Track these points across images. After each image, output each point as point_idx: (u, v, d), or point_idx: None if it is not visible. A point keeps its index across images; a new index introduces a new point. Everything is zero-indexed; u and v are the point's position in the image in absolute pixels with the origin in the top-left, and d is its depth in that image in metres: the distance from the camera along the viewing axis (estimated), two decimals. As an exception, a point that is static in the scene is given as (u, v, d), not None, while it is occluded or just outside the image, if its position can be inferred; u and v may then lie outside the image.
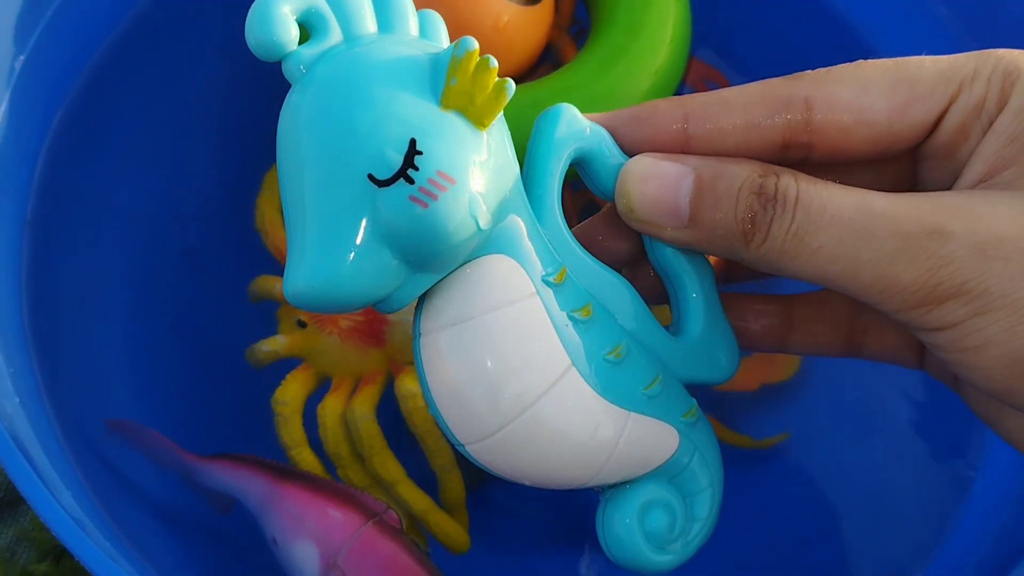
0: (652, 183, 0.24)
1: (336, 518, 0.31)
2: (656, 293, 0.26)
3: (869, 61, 0.24)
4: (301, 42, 0.22)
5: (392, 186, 0.21)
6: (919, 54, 0.24)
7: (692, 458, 0.26)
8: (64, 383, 0.35)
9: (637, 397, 0.24)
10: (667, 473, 0.26)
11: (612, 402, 0.24)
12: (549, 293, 0.24)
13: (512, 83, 0.22)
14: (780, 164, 0.23)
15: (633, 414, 0.24)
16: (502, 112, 0.23)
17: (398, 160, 0.21)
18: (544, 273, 0.24)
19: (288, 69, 0.22)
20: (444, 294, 0.23)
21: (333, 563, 0.30)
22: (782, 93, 0.24)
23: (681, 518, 0.26)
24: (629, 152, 0.25)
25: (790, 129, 0.23)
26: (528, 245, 0.24)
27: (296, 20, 0.22)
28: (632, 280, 0.25)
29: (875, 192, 0.22)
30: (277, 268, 0.37)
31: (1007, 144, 0.22)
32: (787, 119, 0.23)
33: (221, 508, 0.36)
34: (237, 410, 0.39)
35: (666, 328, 0.26)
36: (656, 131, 0.24)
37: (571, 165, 0.25)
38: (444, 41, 0.24)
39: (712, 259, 0.26)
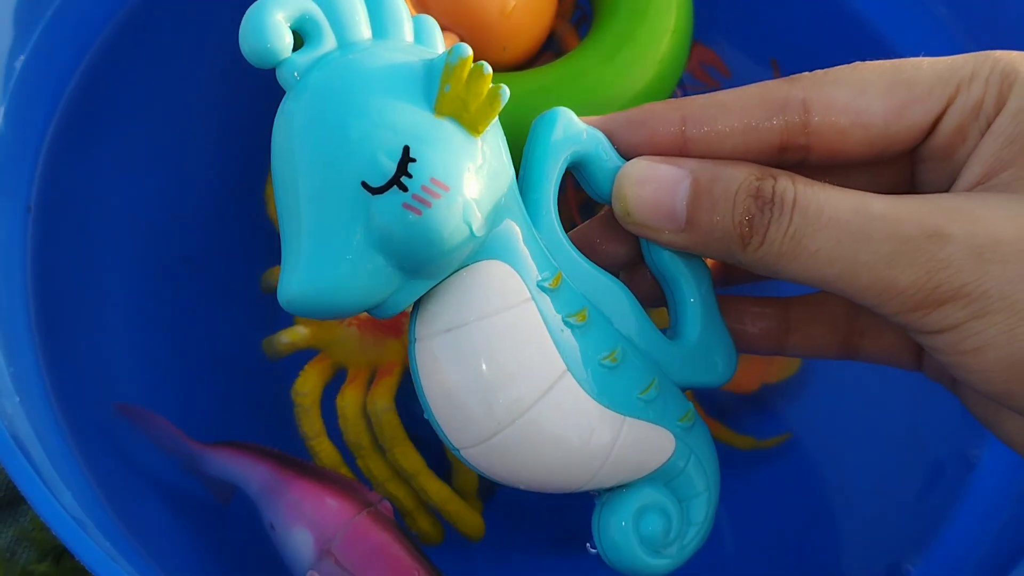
0: (649, 186, 0.24)
1: (332, 506, 0.32)
2: (654, 296, 0.26)
3: (867, 63, 0.24)
4: (296, 48, 0.22)
5: (386, 193, 0.21)
6: (918, 54, 0.24)
7: (688, 462, 0.26)
8: (68, 378, 0.35)
9: (633, 402, 0.24)
10: (663, 477, 0.26)
11: (607, 407, 0.24)
12: (544, 298, 0.24)
13: (506, 89, 0.22)
14: (778, 167, 0.23)
15: (629, 419, 0.24)
16: (497, 118, 0.23)
17: (392, 167, 0.21)
18: (540, 278, 0.24)
19: (282, 76, 0.22)
20: (439, 300, 0.23)
21: (327, 549, 0.31)
22: (779, 95, 0.23)
23: (677, 522, 0.26)
24: (626, 155, 0.25)
25: (787, 131, 0.23)
26: (524, 250, 0.24)
27: (290, 27, 0.22)
28: (629, 283, 0.25)
29: (873, 194, 0.22)
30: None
31: (1005, 146, 0.22)
32: (784, 121, 0.23)
33: (222, 498, 0.36)
34: (241, 403, 0.39)
35: (663, 332, 0.26)
36: (653, 134, 0.24)
37: (568, 168, 0.25)
38: (439, 46, 0.24)
39: (710, 262, 0.26)
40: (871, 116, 0.23)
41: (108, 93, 0.39)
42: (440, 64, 0.22)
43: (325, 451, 0.35)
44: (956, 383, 0.26)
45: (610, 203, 0.25)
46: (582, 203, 0.40)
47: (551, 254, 0.24)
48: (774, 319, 0.27)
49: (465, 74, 0.22)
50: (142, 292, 0.39)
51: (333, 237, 0.22)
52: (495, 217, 0.23)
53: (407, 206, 0.21)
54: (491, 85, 0.22)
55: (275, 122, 0.23)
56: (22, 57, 0.36)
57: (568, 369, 0.24)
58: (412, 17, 0.24)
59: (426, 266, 0.22)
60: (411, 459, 0.35)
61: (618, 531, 0.25)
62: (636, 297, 0.25)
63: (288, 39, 0.22)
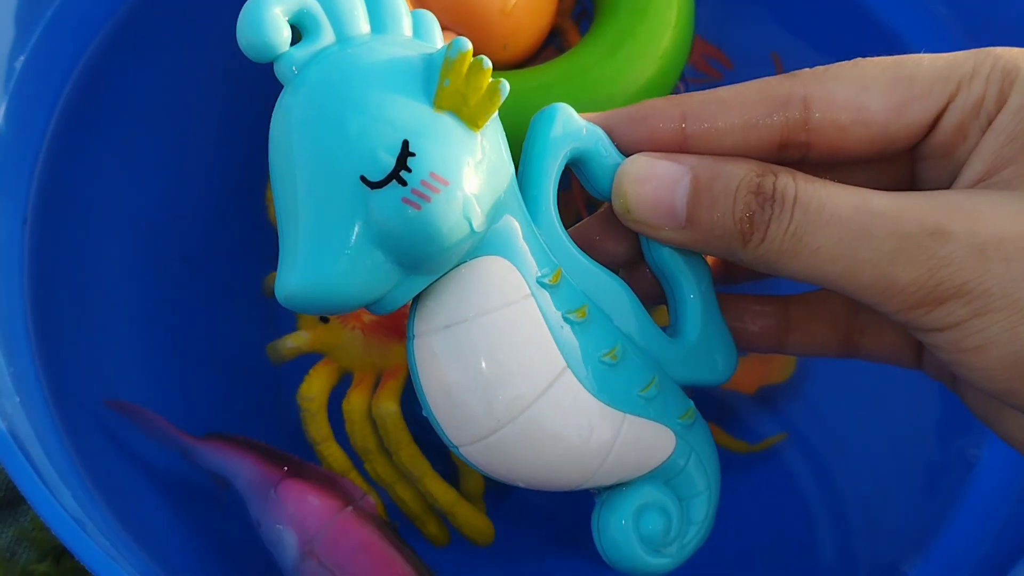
0: (648, 183, 0.23)
1: (313, 505, 0.32)
2: (654, 294, 0.26)
3: (868, 59, 0.24)
4: (295, 42, 0.22)
5: (385, 188, 0.21)
6: (919, 51, 0.24)
7: (689, 460, 0.26)
8: (65, 378, 0.35)
9: (633, 399, 0.24)
10: (663, 475, 0.26)
11: (607, 404, 0.24)
12: (544, 295, 0.24)
13: (506, 84, 0.22)
14: (778, 164, 0.23)
15: (629, 416, 0.24)
16: (496, 113, 0.23)
17: (390, 162, 0.21)
18: (539, 274, 0.24)
19: (280, 70, 0.22)
20: (438, 296, 0.23)
21: (310, 549, 0.31)
22: (780, 92, 0.23)
23: (677, 521, 0.26)
24: (626, 152, 0.24)
25: (788, 128, 0.23)
26: (523, 246, 0.24)
27: (288, 21, 0.22)
28: (630, 281, 0.25)
29: (874, 191, 0.22)
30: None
31: (1006, 143, 0.22)
32: (785, 118, 0.23)
33: (223, 483, 0.36)
34: (242, 406, 0.39)
35: (664, 329, 0.26)
36: (653, 131, 0.24)
37: (567, 165, 0.25)
38: (438, 41, 0.24)
39: (710, 259, 0.26)
40: (872, 113, 0.23)
41: (109, 93, 0.39)
42: (439, 58, 0.22)
43: (333, 455, 0.35)
44: (957, 381, 0.26)
45: (610, 200, 0.24)
46: (588, 199, 0.40)
47: (551, 250, 0.24)
48: (774, 317, 0.27)
49: (465, 68, 0.22)
50: (141, 292, 0.39)
51: (331, 232, 0.21)
52: (495, 213, 0.23)
53: (406, 200, 0.21)
54: (491, 79, 0.22)
55: (273, 117, 0.22)
56: (22, 57, 0.36)
57: (568, 366, 0.23)
58: (411, 12, 0.24)
59: (425, 262, 0.22)
60: (417, 462, 0.34)
61: (618, 530, 0.25)
62: (636, 295, 0.25)
63: (286, 33, 0.22)
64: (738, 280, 0.28)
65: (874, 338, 0.27)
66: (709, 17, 0.41)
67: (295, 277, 0.22)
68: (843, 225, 0.22)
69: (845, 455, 0.40)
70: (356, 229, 0.21)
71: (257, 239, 0.38)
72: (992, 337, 0.21)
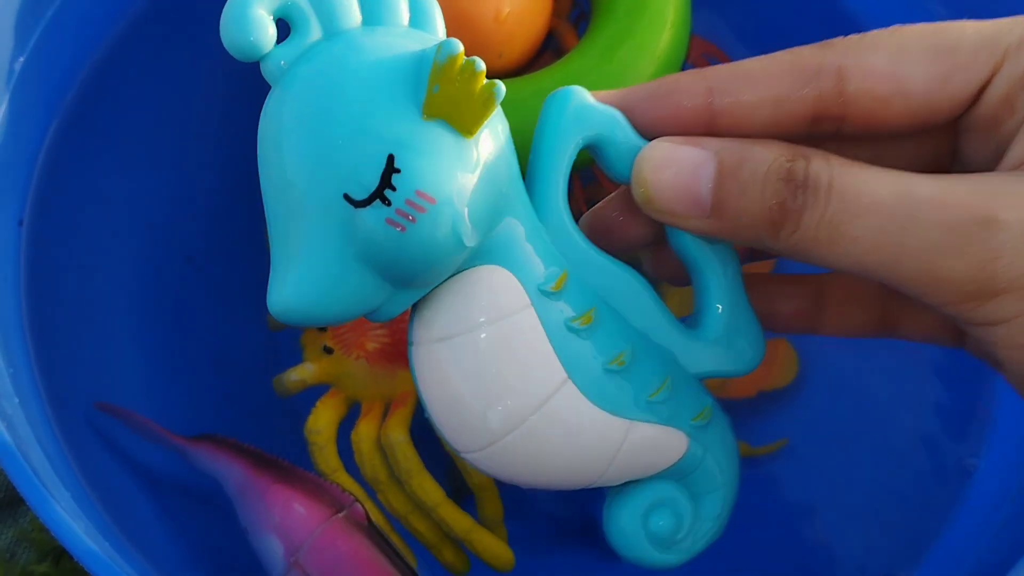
0: (670, 170, 0.22)
1: (300, 513, 0.31)
2: (680, 276, 0.25)
3: (906, 26, 0.22)
4: (286, 36, 0.21)
5: (368, 208, 0.20)
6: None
7: (703, 460, 0.25)
8: (62, 380, 0.35)
9: (641, 405, 0.24)
10: (676, 474, 0.25)
11: (612, 413, 0.23)
12: (546, 303, 0.23)
13: (501, 86, 0.21)
14: (810, 138, 0.22)
15: (635, 423, 0.24)
16: (498, 107, 0.21)
17: (374, 180, 0.20)
18: (542, 281, 0.23)
19: (267, 70, 0.21)
20: (434, 306, 0.23)
21: (295, 560, 0.30)
22: (812, 62, 0.22)
23: (689, 518, 0.25)
24: (647, 133, 0.23)
25: (821, 100, 0.22)
26: (526, 250, 0.23)
27: (273, 16, 0.21)
28: (655, 262, 0.24)
29: (918, 175, 0.21)
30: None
31: None
32: (818, 89, 0.22)
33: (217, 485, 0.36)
34: (241, 408, 0.39)
35: (686, 318, 0.25)
36: (678, 108, 0.23)
37: (584, 150, 0.23)
38: (439, 28, 0.23)
39: None
40: (912, 83, 0.21)
41: (110, 93, 0.39)
42: (430, 59, 0.21)
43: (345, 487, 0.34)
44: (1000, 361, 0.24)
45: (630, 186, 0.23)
46: (591, 201, 0.39)
47: (559, 248, 0.23)
48: (807, 298, 0.26)
49: (455, 73, 0.20)
50: (140, 293, 0.39)
51: (318, 248, 0.21)
52: (492, 219, 0.22)
53: (390, 221, 0.20)
54: (484, 83, 0.21)
55: (260, 121, 0.22)
56: (22, 58, 0.36)
57: (569, 377, 0.23)
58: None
59: (414, 279, 0.22)
60: (429, 490, 0.34)
61: (628, 526, 0.25)
62: (662, 277, 0.24)
63: (271, 31, 0.21)
64: (766, 255, 0.27)
65: (912, 319, 0.26)
66: (706, 18, 0.41)
67: (285, 293, 0.21)
68: (884, 213, 0.20)
69: (843, 461, 0.40)
70: (341, 247, 0.21)
71: (259, 241, 0.38)
72: None
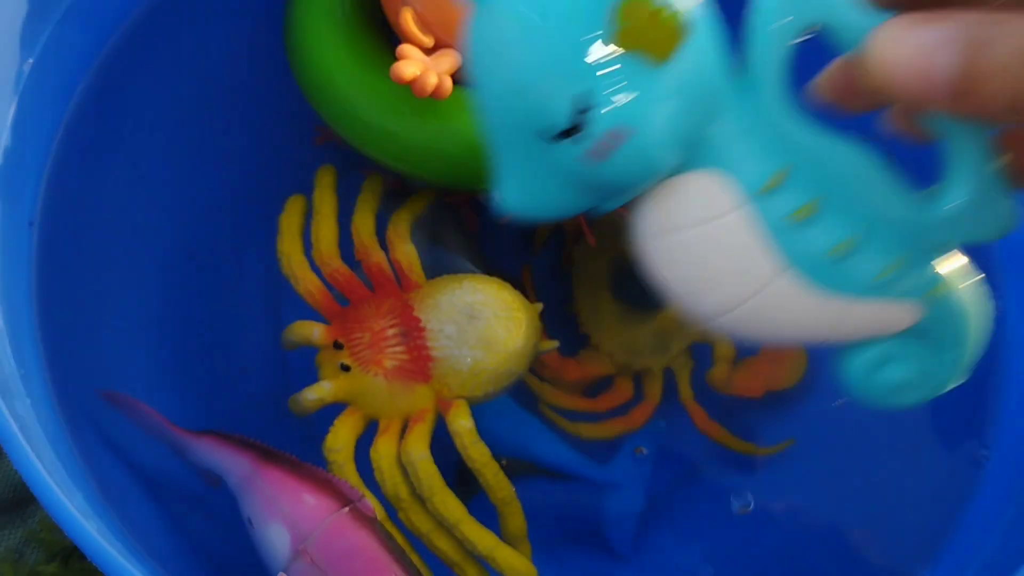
0: (908, 50, 0.19)
1: (309, 503, 0.31)
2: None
3: None
4: None
5: (564, 143, 0.21)
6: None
7: (939, 325, 0.25)
8: (72, 380, 0.35)
9: (866, 286, 0.23)
10: (913, 333, 0.25)
11: (836, 293, 0.23)
12: (761, 202, 0.23)
13: (689, 11, 0.21)
14: None
15: (860, 301, 0.24)
16: (694, 14, 0.21)
17: (565, 118, 0.20)
18: (757, 179, 0.23)
19: None
20: (649, 202, 0.23)
21: (303, 548, 0.31)
22: None
23: (921, 370, 0.25)
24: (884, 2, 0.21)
25: None
26: (740, 150, 0.23)
27: None
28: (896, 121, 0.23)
29: None
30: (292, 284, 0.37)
31: None
32: None
33: (212, 481, 0.36)
34: (254, 414, 0.39)
35: (927, 190, 0.23)
36: None
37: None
38: None
39: None
40: None
41: (119, 95, 0.39)
42: None
43: None
44: None
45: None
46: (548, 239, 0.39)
47: (781, 140, 0.22)
48: None
49: (641, 11, 0.20)
50: (149, 292, 0.39)
51: (524, 166, 0.22)
52: (695, 133, 0.22)
53: (589, 154, 0.21)
54: (668, 13, 0.20)
55: (470, 32, 0.22)
56: (31, 60, 0.36)
57: (786, 268, 0.23)
58: None
59: (619, 195, 0.22)
60: (451, 507, 0.33)
61: (859, 375, 0.25)
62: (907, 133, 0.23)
63: None
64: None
65: None
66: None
67: (508, 200, 0.22)
68: None
69: (851, 461, 0.40)
70: (545, 171, 0.21)
71: (268, 242, 0.38)
72: None
